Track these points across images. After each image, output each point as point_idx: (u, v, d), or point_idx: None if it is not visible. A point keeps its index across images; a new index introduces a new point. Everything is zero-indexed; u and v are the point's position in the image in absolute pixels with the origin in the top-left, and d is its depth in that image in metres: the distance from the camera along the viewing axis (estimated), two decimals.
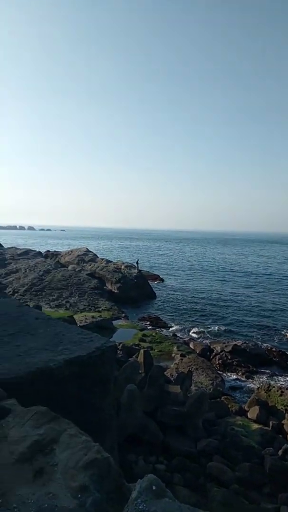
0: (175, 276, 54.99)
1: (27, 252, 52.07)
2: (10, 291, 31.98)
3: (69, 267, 43.88)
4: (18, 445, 2.66)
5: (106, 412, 7.00)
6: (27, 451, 2.60)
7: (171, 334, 25.02)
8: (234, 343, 22.36)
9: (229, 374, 19.49)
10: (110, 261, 47.16)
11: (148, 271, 52.26)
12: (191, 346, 22.34)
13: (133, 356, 16.34)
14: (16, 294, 31.32)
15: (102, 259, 48.31)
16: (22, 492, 2.27)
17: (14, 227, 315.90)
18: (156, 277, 49.67)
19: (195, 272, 59.75)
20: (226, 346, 22.09)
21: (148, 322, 27.96)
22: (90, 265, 44.49)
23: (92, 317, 25.30)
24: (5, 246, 62.32)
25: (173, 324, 28.45)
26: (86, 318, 24.62)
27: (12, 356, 6.41)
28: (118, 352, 17.87)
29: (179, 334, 25.64)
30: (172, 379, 13.68)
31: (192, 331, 26.63)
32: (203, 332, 26.58)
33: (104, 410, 6.98)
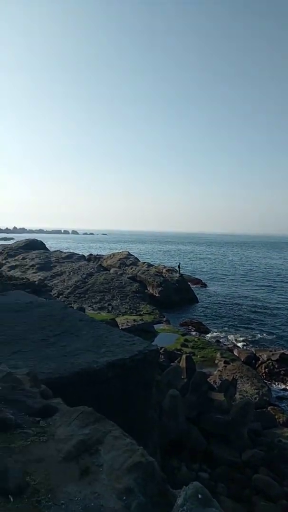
0: (217, 281, 53.99)
1: (71, 255, 53.69)
2: (55, 293, 33.12)
3: (111, 271, 44.63)
4: (65, 444, 2.72)
5: (148, 416, 7.00)
6: (73, 449, 2.66)
7: (214, 340, 24.54)
8: (282, 351, 21.46)
9: (276, 383, 18.72)
10: (152, 265, 47.33)
11: (190, 275, 51.80)
12: (235, 353, 21.75)
13: (175, 361, 16.22)
14: (60, 296, 32.37)
15: (144, 262, 48.62)
16: (69, 490, 2.32)
17: (59, 232, 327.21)
18: (198, 282, 49.09)
19: (239, 278, 58.21)
20: (273, 354, 21.26)
21: (190, 327, 27.65)
22: (131, 269, 44.94)
23: (134, 320, 25.49)
24: (51, 249, 64.71)
25: (215, 330, 27.90)
26: (128, 321, 24.86)
27: (57, 356, 6.61)
28: (160, 356, 17.83)
29: (222, 341, 25.08)
30: (216, 386, 13.39)
31: (236, 338, 25.93)
32: (248, 339, 25.78)
33: (147, 414, 6.98)
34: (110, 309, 29.20)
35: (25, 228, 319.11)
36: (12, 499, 2.14)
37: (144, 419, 6.96)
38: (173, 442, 9.38)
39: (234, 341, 25.19)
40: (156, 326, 25.29)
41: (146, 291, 37.63)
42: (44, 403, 3.26)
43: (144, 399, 6.98)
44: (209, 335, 26.40)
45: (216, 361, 19.15)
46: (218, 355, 19.91)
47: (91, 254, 62.72)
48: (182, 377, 12.03)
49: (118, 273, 42.84)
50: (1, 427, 2.81)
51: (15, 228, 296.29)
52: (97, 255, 62.18)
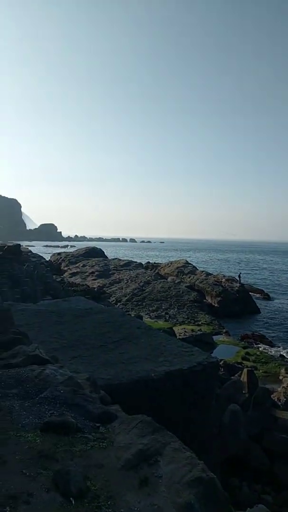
0: (282, 292, 51.24)
1: (129, 263, 54.64)
2: (113, 300, 33.88)
3: (169, 279, 44.58)
4: (124, 452, 2.71)
5: (207, 430, 6.79)
6: (132, 458, 2.64)
7: (278, 355, 23.21)
8: None
9: None
10: (210, 274, 46.43)
11: (251, 285, 49.90)
12: None
13: (236, 375, 15.62)
14: (118, 303, 33.02)
15: (202, 271, 47.88)
16: (128, 498, 2.30)
17: (117, 240, 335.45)
18: (260, 292, 47.07)
19: None
20: None
21: (252, 340, 26.49)
22: (189, 277, 44.51)
23: (192, 330, 25.11)
24: (109, 257, 66.50)
25: (279, 344, 26.36)
26: (185, 331, 24.55)
27: (116, 363, 6.70)
28: (220, 369, 17.31)
29: (287, 356, 23.66)
30: (280, 403, 12.63)
31: None
32: None
33: (206, 428, 6.77)
34: (167, 318, 29.10)
35: (86, 236, 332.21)
36: (73, 502, 2.18)
37: (202, 433, 6.76)
38: (233, 460, 8.98)
39: None
40: (215, 337, 24.63)
41: (204, 300, 36.95)
42: (104, 409, 3.29)
43: (202, 413, 6.79)
44: (272, 349, 25.04)
45: (280, 377, 18.09)
46: (283, 370, 18.80)
47: (148, 262, 63.33)
48: (243, 392, 11.53)
49: (176, 281, 42.65)
50: (63, 430, 2.88)
51: (76, 236, 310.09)
52: (154, 263, 62.60)
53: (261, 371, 18.73)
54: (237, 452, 9.15)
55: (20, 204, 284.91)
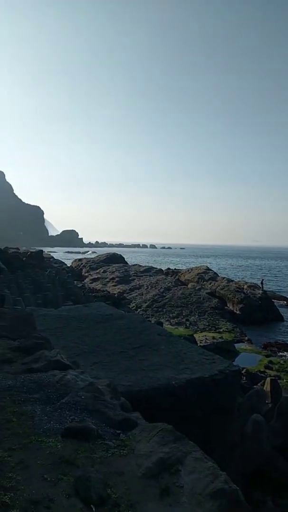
0: None
1: (149, 269, 54.62)
2: (133, 306, 33.91)
3: (189, 285, 44.25)
4: (145, 460, 2.68)
5: (229, 440, 6.65)
6: (153, 467, 2.61)
7: None
8: None
9: None
10: (232, 280, 45.80)
11: (274, 292, 48.88)
12: None
13: (259, 384, 15.28)
14: (139, 310, 33.01)
15: (223, 278, 47.31)
16: (149, 508, 2.27)
17: (138, 245, 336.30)
18: (284, 299, 46.02)
19: None
20: None
21: (275, 348, 25.85)
22: (210, 284, 44.04)
23: (213, 337, 24.79)
24: (130, 263, 66.70)
25: None
26: (206, 338, 24.27)
27: (136, 370, 6.68)
28: (242, 377, 16.97)
29: None
30: None
31: None
32: None
33: (227, 438, 6.63)
34: (188, 325, 28.85)
35: (106, 242, 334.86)
36: (94, 509, 2.17)
37: (224, 444, 6.62)
38: (256, 472, 8.74)
39: None
40: (236, 345, 24.23)
41: (226, 307, 36.45)
42: (125, 416, 3.28)
43: (224, 422, 6.65)
44: None
45: None
46: None
47: (169, 268, 63.08)
48: (266, 401, 11.25)
49: (197, 288, 42.29)
50: (84, 436, 2.88)
51: (97, 242, 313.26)
52: (175, 269, 62.32)
53: (285, 380, 18.25)
54: (260, 463, 8.91)
55: (42, 211, 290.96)
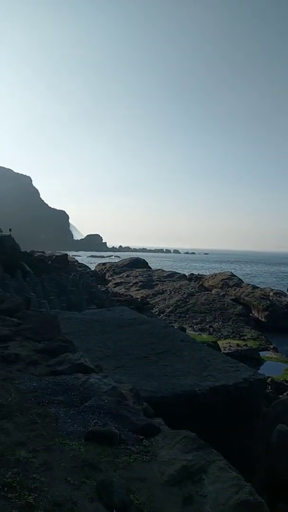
0: None
1: (172, 274, 54.40)
2: (156, 311, 33.81)
3: (213, 291, 43.73)
4: (168, 467, 2.66)
5: (253, 451, 6.49)
6: (176, 474, 2.58)
7: None
8: None
9: None
10: (257, 287, 44.88)
11: None
12: None
13: (285, 393, 14.87)
14: (161, 315, 32.88)
15: (248, 284, 46.45)
16: None
17: (161, 250, 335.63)
18: None
19: None
20: None
21: None
22: (235, 290, 43.35)
23: (237, 345, 24.33)
24: (153, 268, 66.67)
25: None
26: (230, 346, 23.86)
27: (159, 375, 6.65)
28: (267, 386, 16.57)
29: None
30: None
31: None
32: None
33: (252, 448, 6.48)
34: (211, 331, 28.47)
35: (130, 246, 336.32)
36: None
37: (247, 454, 6.47)
38: (282, 484, 8.47)
39: None
40: (261, 353, 23.67)
41: (251, 314, 35.74)
42: (148, 422, 3.27)
43: (248, 432, 6.51)
44: None
45: None
46: None
47: (192, 274, 62.61)
48: None
49: (221, 294, 41.73)
50: (107, 440, 2.89)
51: (120, 246, 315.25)
52: (198, 274, 61.76)
53: None
54: (286, 475, 8.62)
55: (68, 216, 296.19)
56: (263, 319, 34.78)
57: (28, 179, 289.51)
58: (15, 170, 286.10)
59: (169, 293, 40.53)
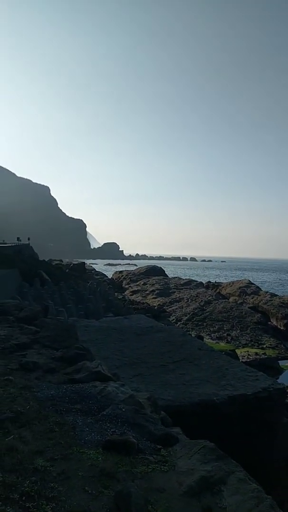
0: None
1: (189, 282, 54.07)
2: (173, 319, 33.60)
3: (230, 299, 43.22)
4: (186, 477, 2.63)
5: (274, 462, 6.32)
6: (195, 485, 2.54)
7: None
8: None
9: None
10: (276, 295, 44.11)
11: None
12: None
13: None
14: (179, 323, 32.65)
15: (266, 292, 45.71)
16: None
17: (178, 258, 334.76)
18: None
19: None
20: None
21: None
22: (252, 298, 42.73)
23: (256, 354, 23.92)
24: (170, 276, 66.40)
25: None
26: (249, 354, 23.47)
27: (177, 384, 6.59)
28: (287, 396, 16.15)
29: None
30: None
31: None
32: None
33: (272, 459, 6.31)
34: (229, 340, 28.08)
35: (146, 254, 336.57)
36: None
37: (268, 466, 6.30)
38: None
39: None
40: (281, 362, 23.19)
41: (269, 322, 35.10)
42: (166, 431, 3.23)
43: (268, 443, 6.35)
44: None
45: None
46: None
47: (209, 282, 62.12)
48: None
49: (238, 302, 41.20)
50: (125, 450, 2.87)
51: (137, 254, 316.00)
52: (215, 282, 61.24)
53: None
54: None
55: (85, 224, 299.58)
56: (282, 327, 34.08)
57: (46, 189, 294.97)
58: (34, 180, 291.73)
59: (186, 301, 40.25)
